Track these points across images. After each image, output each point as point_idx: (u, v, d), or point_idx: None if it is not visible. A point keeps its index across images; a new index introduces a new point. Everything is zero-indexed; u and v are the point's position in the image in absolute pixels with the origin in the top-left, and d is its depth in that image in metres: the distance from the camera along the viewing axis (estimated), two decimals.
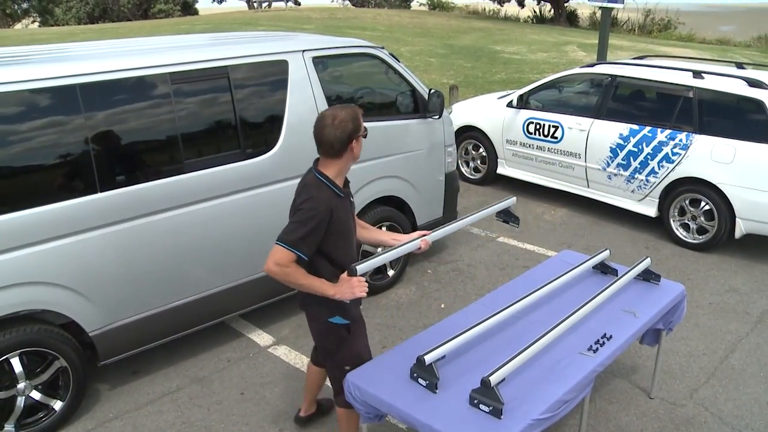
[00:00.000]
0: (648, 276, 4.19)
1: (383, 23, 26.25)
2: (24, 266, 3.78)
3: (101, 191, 4.01)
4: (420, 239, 3.46)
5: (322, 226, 3.05)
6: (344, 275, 3.12)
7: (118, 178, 4.08)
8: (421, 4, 44.06)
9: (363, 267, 3.15)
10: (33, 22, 36.75)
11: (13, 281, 3.75)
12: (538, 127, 7.85)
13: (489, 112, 8.47)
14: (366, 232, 3.61)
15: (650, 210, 7.04)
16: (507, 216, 3.97)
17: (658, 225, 7.17)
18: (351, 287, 3.08)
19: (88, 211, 3.98)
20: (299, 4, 49.99)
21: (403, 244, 3.42)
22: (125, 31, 25.32)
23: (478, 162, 8.72)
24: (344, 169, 3.20)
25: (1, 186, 3.72)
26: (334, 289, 3.09)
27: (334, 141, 3.08)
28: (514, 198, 4.03)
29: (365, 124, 3.21)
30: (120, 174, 4.10)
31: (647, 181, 6.95)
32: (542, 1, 31.74)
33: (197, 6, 43.41)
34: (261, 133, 4.74)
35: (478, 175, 8.73)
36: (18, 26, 35.82)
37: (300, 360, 4.77)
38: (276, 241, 3.01)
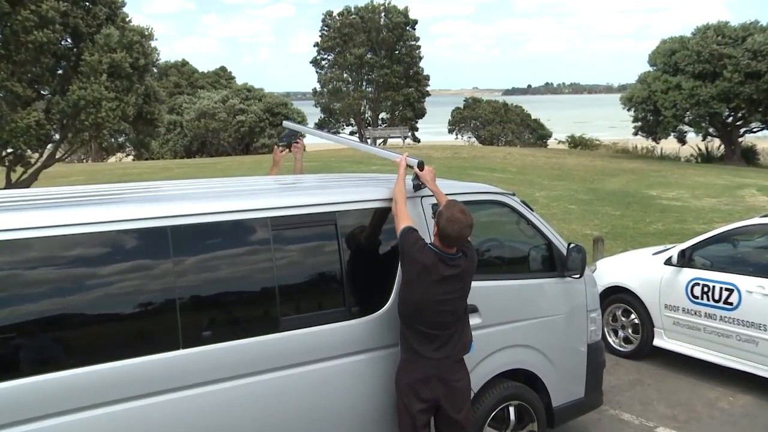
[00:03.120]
0: None
1: (515, 164, 26.92)
2: None
3: (184, 347, 4.17)
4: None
5: None
6: (423, 172, 5.02)
7: (204, 334, 4.26)
8: (559, 142, 45.01)
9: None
10: (127, 155, 40.27)
11: None
12: (706, 290, 7.63)
13: (642, 270, 8.35)
14: None
15: None
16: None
17: None
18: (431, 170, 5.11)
19: (167, 370, 4.12)
20: (418, 141, 52.41)
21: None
22: (224, 166, 27.27)
23: (629, 331, 8.48)
24: None
25: (70, 337, 3.95)
26: (433, 184, 5.04)
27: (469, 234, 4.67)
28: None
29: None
30: (207, 328, 4.29)
31: None
32: (709, 137, 31.59)
33: (304, 142, 46.34)
34: (370, 289, 4.90)
35: (629, 347, 8.47)
36: (111, 159, 39.21)
37: None
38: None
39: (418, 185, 5.06)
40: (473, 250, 4.79)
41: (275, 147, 6.39)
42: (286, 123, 6.67)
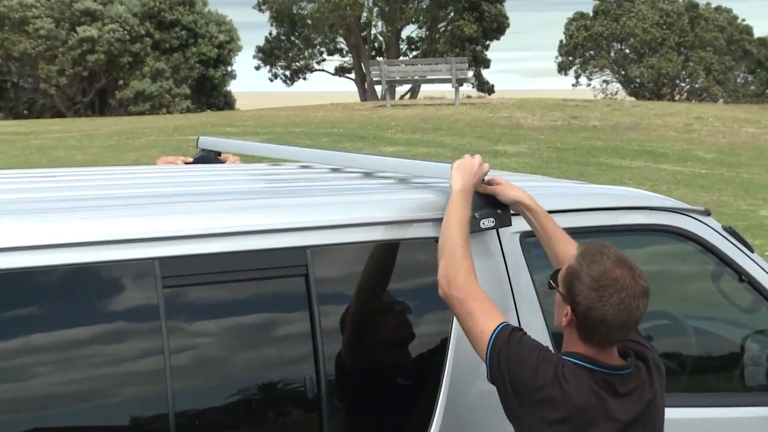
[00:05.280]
0: None
1: (711, 142, 26.93)
2: None
3: None
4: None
5: None
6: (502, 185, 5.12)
7: None
8: None
9: None
10: None
11: None
12: None
13: None
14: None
15: None
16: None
17: None
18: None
19: None
20: (490, 92, 52.40)
21: None
22: (47, 141, 27.29)
23: None
24: None
25: None
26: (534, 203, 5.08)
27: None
28: None
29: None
30: None
31: None
32: None
33: (233, 89, 45.77)
34: (383, 405, 5.09)
35: None
36: None
37: None
38: None
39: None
40: (651, 347, 4.82)
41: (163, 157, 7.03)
42: (203, 140, 7.18)
